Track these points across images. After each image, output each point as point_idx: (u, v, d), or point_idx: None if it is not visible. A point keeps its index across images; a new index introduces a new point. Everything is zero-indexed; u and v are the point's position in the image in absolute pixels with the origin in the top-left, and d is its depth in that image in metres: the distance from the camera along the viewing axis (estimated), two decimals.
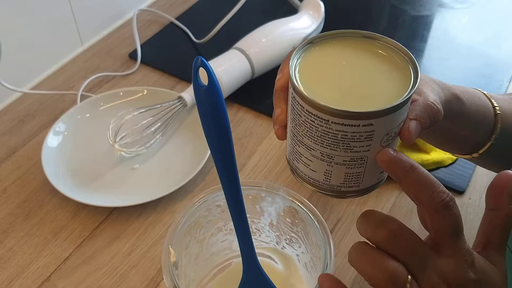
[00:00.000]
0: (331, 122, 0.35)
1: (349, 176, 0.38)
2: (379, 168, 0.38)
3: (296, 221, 0.49)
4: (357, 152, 0.36)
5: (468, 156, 0.54)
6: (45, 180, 0.70)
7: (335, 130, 0.35)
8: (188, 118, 0.79)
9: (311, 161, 0.39)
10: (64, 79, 0.88)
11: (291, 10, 0.94)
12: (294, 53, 0.39)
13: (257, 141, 0.78)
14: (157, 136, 0.75)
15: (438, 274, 0.36)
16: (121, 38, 0.97)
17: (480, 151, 0.52)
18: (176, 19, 0.99)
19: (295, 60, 0.38)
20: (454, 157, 0.73)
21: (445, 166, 0.73)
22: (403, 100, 0.35)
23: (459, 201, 0.69)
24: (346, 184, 0.39)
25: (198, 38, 0.94)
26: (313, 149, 0.38)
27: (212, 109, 0.40)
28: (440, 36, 0.96)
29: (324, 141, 0.36)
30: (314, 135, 0.37)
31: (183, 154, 0.74)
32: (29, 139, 0.78)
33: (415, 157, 0.71)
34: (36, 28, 0.85)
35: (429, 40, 0.95)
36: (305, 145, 0.38)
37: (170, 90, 0.83)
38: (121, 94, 0.80)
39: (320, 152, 0.37)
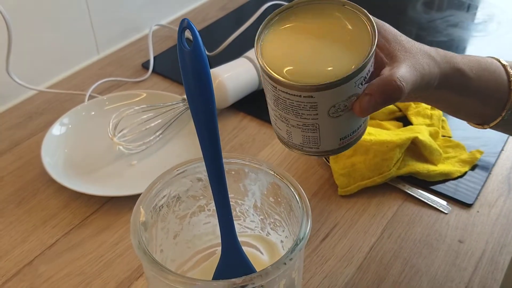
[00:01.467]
0: (279, 89, 0.38)
1: (307, 138, 0.41)
2: (337, 135, 0.40)
3: (279, 199, 0.47)
4: (306, 119, 0.39)
5: (480, 127, 0.51)
6: (43, 171, 0.70)
7: (283, 97, 0.38)
8: (191, 121, 0.78)
9: (276, 120, 0.42)
10: (77, 82, 0.90)
11: None
12: (264, 22, 0.41)
13: (259, 147, 0.76)
14: (157, 134, 0.74)
15: None
16: (136, 50, 0.99)
17: (491, 124, 0.49)
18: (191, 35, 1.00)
19: (263, 30, 0.41)
20: (463, 170, 0.70)
21: (454, 179, 0.69)
22: (345, 76, 0.36)
23: (466, 213, 0.66)
24: (306, 145, 0.41)
25: (210, 51, 0.95)
26: (274, 110, 0.41)
27: (195, 73, 0.40)
28: None
29: (278, 105, 0.40)
30: (272, 98, 0.40)
31: (183, 156, 0.73)
32: (33, 134, 0.79)
33: (421, 168, 0.69)
34: (56, 35, 0.88)
35: None
36: (270, 106, 0.42)
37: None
38: (127, 95, 0.81)
39: (279, 114, 0.40)
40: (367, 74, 0.38)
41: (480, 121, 0.50)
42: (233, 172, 0.47)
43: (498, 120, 0.48)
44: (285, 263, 0.36)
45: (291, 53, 0.39)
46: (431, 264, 0.60)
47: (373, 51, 0.37)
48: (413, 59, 0.41)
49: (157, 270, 0.37)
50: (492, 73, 0.47)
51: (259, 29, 0.40)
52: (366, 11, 0.40)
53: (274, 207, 0.48)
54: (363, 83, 0.38)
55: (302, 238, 0.38)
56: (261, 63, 0.39)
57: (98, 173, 0.71)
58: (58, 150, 0.73)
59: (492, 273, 0.59)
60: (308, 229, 0.39)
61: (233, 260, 0.44)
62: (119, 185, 0.69)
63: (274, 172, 0.46)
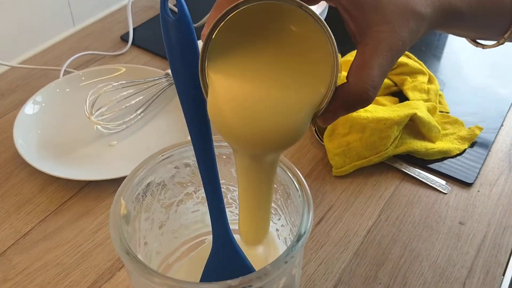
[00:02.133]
0: None
1: None
2: None
3: (275, 185, 0.43)
4: None
5: (481, 46, 0.47)
6: (15, 153, 0.65)
7: None
8: (175, 98, 0.73)
9: None
10: (51, 57, 0.84)
11: None
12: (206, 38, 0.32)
13: None
14: (139, 112, 0.69)
15: None
16: (114, 22, 0.93)
17: (491, 46, 0.45)
18: (174, 5, 0.95)
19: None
20: (462, 148, 0.67)
21: (453, 157, 0.66)
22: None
23: (466, 193, 0.62)
24: None
25: (195, 22, 0.89)
26: None
27: (181, 45, 0.35)
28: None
29: None
30: None
31: (165, 134, 0.68)
32: (4, 113, 0.73)
33: (419, 146, 0.65)
34: (28, 6, 0.82)
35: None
36: None
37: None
38: (105, 70, 0.75)
39: None
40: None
41: (482, 42, 0.46)
42: (224, 157, 0.43)
43: (498, 43, 0.44)
44: (286, 262, 0.33)
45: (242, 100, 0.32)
46: (431, 247, 0.57)
47: (331, 90, 0.31)
48: (391, 36, 0.33)
49: (142, 272, 0.33)
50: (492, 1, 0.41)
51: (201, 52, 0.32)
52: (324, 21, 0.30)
53: None
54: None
55: (304, 232, 0.34)
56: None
57: (75, 155, 0.66)
58: (32, 131, 0.68)
59: (495, 257, 0.56)
60: (310, 222, 0.35)
61: (225, 256, 0.40)
62: (98, 168, 0.64)
63: None
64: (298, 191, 0.39)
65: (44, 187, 0.63)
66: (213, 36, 0.32)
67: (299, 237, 0.34)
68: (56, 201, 0.61)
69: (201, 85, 0.33)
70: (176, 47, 0.34)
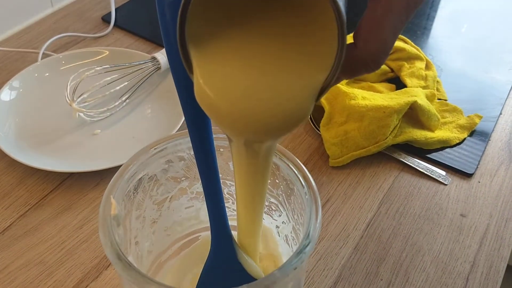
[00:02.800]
0: None
1: None
2: None
3: (277, 181, 0.40)
4: None
5: None
6: None
7: None
8: (163, 83, 0.69)
9: None
10: (28, 39, 0.79)
11: None
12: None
13: None
14: (124, 98, 0.65)
15: None
16: (95, 1, 0.88)
17: None
18: None
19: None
20: (462, 137, 0.64)
21: (451, 146, 0.64)
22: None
23: (467, 184, 0.60)
24: None
25: None
26: None
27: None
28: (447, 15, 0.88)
29: None
30: None
31: (152, 122, 0.65)
32: None
33: (419, 135, 0.63)
34: None
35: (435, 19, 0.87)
36: None
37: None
38: (87, 53, 0.71)
39: None
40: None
41: None
42: (221, 150, 0.40)
43: None
44: (295, 268, 0.30)
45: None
46: (433, 241, 0.55)
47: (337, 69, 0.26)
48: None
49: (136, 279, 0.30)
50: None
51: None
52: None
53: (271, 189, 0.41)
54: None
55: (313, 238, 0.31)
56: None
57: (55, 145, 0.62)
58: (9, 119, 0.63)
59: (498, 250, 0.54)
60: (318, 225, 0.32)
61: (225, 257, 0.37)
62: (81, 159, 0.60)
63: None
64: (304, 188, 0.36)
65: (23, 179, 0.59)
66: None
67: (307, 242, 0.31)
68: (37, 195, 0.57)
69: (183, 62, 0.28)
70: (173, 30, 0.31)
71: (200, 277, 0.38)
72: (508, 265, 0.54)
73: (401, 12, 0.27)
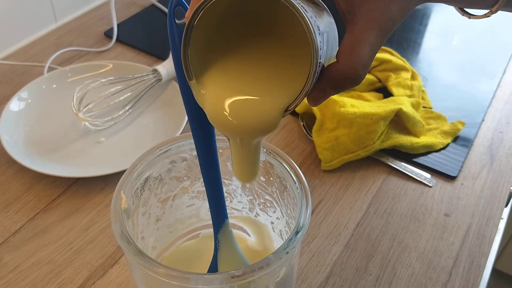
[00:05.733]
0: None
1: None
2: None
3: (271, 178, 0.43)
4: None
5: (467, 16, 0.45)
6: (1, 150, 0.64)
7: None
8: (163, 94, 0.73)
9: None
10: (33, 53, 0.83)
11: None
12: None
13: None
14: (127, 108, 0.69)
15: None
16: (98, 17, 0.92)
17: (477, 17, 0.44)
18: (158, 1, 0.94)
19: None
20: (446, 142, 0.68)
21: (437, 151, 0.68)
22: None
23: (451, 186, 0.64)
24: None
25: (179, 19, 0.89)
26: None
27: None
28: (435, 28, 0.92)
29: None
30: None
31: (154, 131, 0.68)
32: None
33: (405, 140, 0.67)
34: (8, 1, 0.80)
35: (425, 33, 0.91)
36: None
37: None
38: (92, 66, 0.75)
39: None
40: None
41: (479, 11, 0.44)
42: (220, 150, 0.43)
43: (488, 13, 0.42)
44: (287, 252, 0.33)
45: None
46: (418, 239, 0.58)
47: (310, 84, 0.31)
48: (381, 14, 0.32)
49: (145, 263, 0.33)
50: None
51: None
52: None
53: (265, 187, 0.45)
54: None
55: (303, 225, 0.35)
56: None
57: (62, 152, 0.65)
58: (18, 128, 0.67)
59: (479, 247, 0.58)
60: (308, 214, 0.36)
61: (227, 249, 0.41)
62: (86, 165, 0.64)
63: (266, 149, 0.42)
64: (296, 183, 0.39)
65: (32, 185, 0.62)
66: (195, 23, 0.30)
67: (298, 229, 0.35)
68: (45, 199, 0.61)
69: (185, 73, 0.33)
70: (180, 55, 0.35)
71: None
72: (494, 269, 0.58)
73: (376, 34, 0.32)
